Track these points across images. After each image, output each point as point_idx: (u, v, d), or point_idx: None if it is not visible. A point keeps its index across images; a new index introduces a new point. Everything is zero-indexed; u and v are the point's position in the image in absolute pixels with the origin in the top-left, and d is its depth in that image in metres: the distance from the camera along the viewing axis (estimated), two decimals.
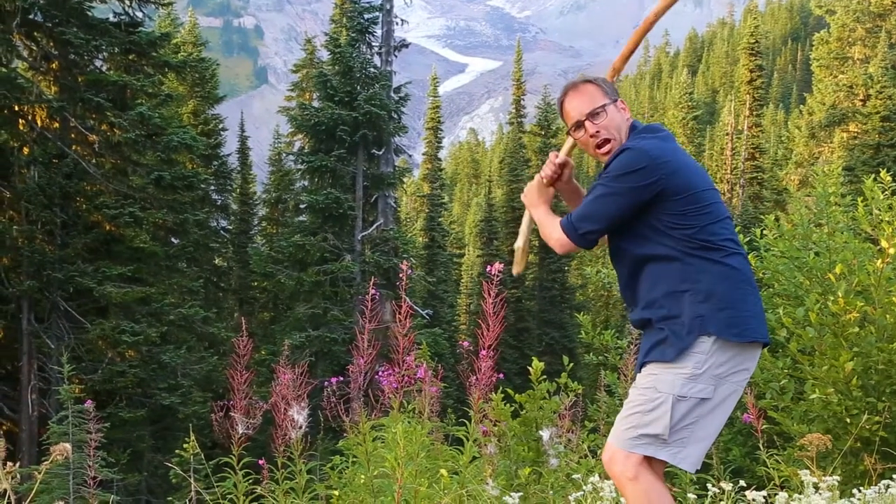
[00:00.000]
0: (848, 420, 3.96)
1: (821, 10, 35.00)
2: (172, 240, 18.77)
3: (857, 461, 3.96)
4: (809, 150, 31.69)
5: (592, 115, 2.92)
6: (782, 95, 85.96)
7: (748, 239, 5.35)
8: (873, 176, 4.95)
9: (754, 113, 35.26)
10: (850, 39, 31.78)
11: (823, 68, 32.55)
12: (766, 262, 5.08)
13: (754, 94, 35.37)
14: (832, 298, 4.09)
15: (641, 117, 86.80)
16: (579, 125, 2.95)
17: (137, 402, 14.54)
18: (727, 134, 37.01)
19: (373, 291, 4.10)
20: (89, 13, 14.88)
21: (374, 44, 21.97)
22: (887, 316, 4.09)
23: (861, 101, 29.77)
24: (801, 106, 35.95)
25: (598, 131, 2.91)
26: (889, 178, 5.09)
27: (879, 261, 4.24)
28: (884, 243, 4.20)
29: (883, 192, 4.79)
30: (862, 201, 4.75)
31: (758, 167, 35.57)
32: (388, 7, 21.85)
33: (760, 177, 35.48)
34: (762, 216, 5.60)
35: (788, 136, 38.25)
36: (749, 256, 5.15)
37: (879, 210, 4.64)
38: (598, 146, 2.92)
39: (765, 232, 5.25)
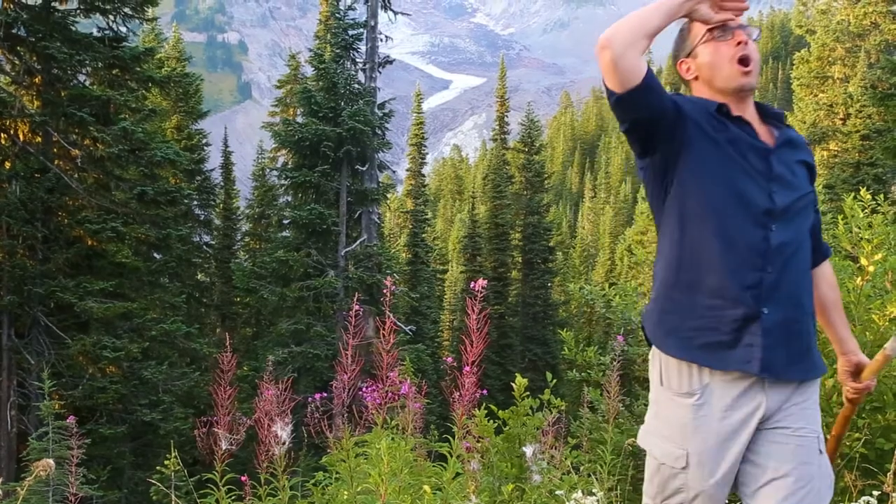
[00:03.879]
0: (826, 437, 3.99)
1: (801, 30, 35.35)
2: (155, 255, 18.69)
3: (838, 478, 3.99)
4: None
5: (747, 30, 2.47)
6: None
7: None
8: (853, 194, 5.01)
9: None
10: (830, 59, 32.09)
11: (804, 87, 32.84)
12: None
13: None
14: None
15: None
16: (729, 29, 2.45)
17: (118, 419, 14.44)
18: None
19: (356, 307, 4.11)
20: (73, 28, 14.87)
21: (358, 60, 22.01)
22: (867, 333, 4.13)
23: (841, 119, 30.05)
24: None
25: (748, 43, 2.44)
26: (869, 197, 5.15)
27: (859, 278, 4.28)
28: (863, 261, 4.24)
29: (863, 211, 4.84)
30: (842, 219, 4.80)
31: None
32: (372, 24, 21.92)
33: None
34: None
35: None
36: None
37: (859, 228, 4.69)
38: (743, 61, 2.43)
39: None
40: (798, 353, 2.35)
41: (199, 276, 25.95)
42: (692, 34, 2.53)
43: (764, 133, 2.47)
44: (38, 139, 14.68)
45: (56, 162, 14.75)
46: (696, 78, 2.54)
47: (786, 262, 2.34)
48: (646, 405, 6.17)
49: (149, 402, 14.86)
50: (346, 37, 21.65)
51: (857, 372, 2.62)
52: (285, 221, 23.16)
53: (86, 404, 13.79)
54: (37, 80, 14.87)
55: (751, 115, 2.48)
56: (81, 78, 15.78)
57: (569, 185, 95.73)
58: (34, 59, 14.67)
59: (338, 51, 21.49)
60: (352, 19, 21.97)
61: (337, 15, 22.10)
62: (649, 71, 2.32)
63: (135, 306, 14.87)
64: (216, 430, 3.72)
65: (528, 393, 4.62)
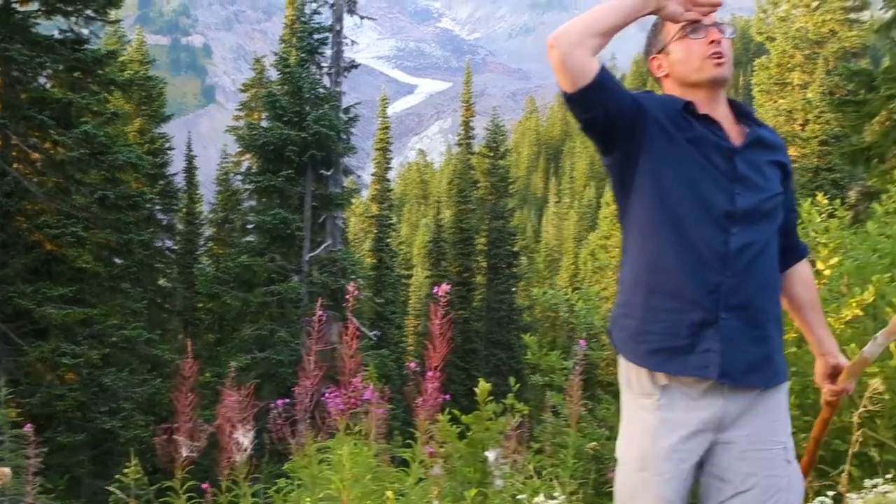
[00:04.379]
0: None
1: (761, 37, 35.81)
2: (116, 260, 18.49)
3: None
4: None
5: (721, 27, 2.43)
6: None
7: None
8: (810, 199, 5.08)
9: None
10: (789, 65, 32.55)
11: (764, 93, 33.28)
12: None
13: None
14: None
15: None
16: (702, 27, 2.39)
17: (77, 426, 14.25)
18: None
19: (320, 313, 4.09)
20: (34, 29, 14.69)
21: (323, 64, 21.97)
22: None
23: (800, 125, 30.49)
24: None
25: (720, 41, 2.39)
26: (826, 202, 5.23)
27: (816, 282, 4.34)
28: (820, 265, 4.30)
29: (820, 215, 4.91)
30: (800, 224, 4.87)
31: None
32: (338, 28, 21.88)
33: None
34: None
35: None
36: None
37: (816, 233, 4.77)
38: (717, 57, 2.38)
39: None
40: (758, 360, 2.31)
41: (161, 282, 25.69)
42: (665, 31, 2.49)
43: (734, 132, 2.42)
44: None
45: (15, 165, 14.56)
46: (667, 76, 2.50)
47: (747, 266, 2.28)
48: (608, 409, 6.20)
49: (108, 409, 14.67)
50: (312, 41, 21.61)
51: (834, 374, 2.59)
52: (249, 226, 23.04)
53: (43, 412, 13.59)
54: None
55: (722, 113, 2.44)
56: (42, 80, 15.60)
57: (533, 190, 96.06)
58: None
59: (303, 55, 21.44)
60: (317, 23, 21.94)
61: (302, 19, 22.05)
62: (602, 70, 2.29)
63: (95, 312, 14.71)
64: (177, 437, 3.70)
65: (491, 397, 4.63)
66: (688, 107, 2.38)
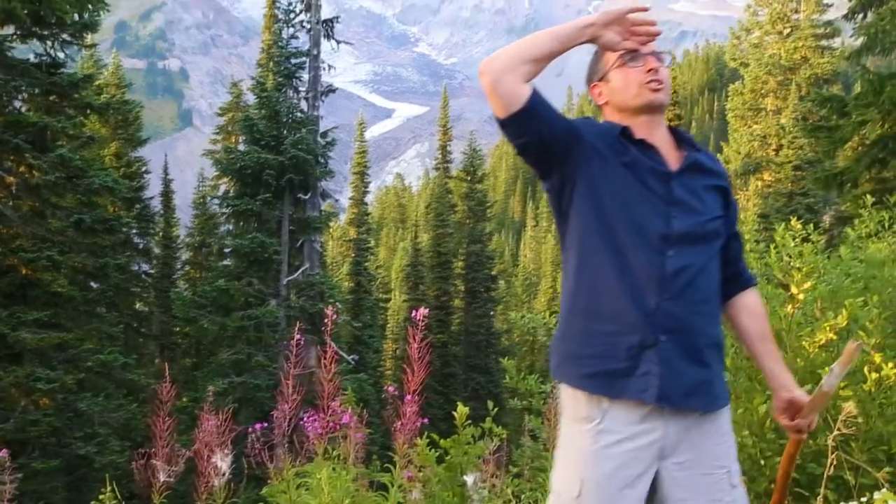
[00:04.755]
0: (762, 462, 4.06)
1: (735, 63, 36.32)
2: (92, 284, 18.35)
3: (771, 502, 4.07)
4: None
5: (659, 55, 2.46)
6: (700, 144, 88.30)
7: None
8: (784, 223, 5.14)
9: None
10: (762, 91, 33.02)
11: (738, 118, 33.71)
12: None
13: None
14: None
15: None
16: (641, 55, 2.43)
17: (51, 452, 14.08)
18: None
19: (298, 337, 4.09)
20: (9, 53, 14.63)
21: (301, 88, 22.01)
22: (798, 360, 4.22)
23: (774, 150, 30.89)
24: (718, 154, 37.01)
25: (658, 69, 2.43)
26: (799, 226, 5.29)
27: (790, 306, 4.38)
28: (794, 289, 4.35)
29: (793, 240, 4.96)
30: (774, 248, 4.92)
31: None
32: (315, 52, 21.95)
33: None
34: None
35: None
36: None
37: (790, 257, 4.81)
38: (653, 84, 2.41)
39: None
40: (698, 383, 2.29)
41: (137, 306, 25.49)
42: (604, 59, 2.50)
43: (673, 158, 2.42)
44: None
45: None
46: (607, 103, 2.52)
47: (684, 289, 2.28)
48: None
49: (84, 434, 14.51)
50: (289, 65, 21.65)
51: (790, 408, 2.50)
52: (226, 250, 22.95)
53: (17, 437, 13.43)
54: None
55: (660, 138, 2.45)
56: (17, 104, 15.52)
57: (511, 214, 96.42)
58: None
59: (280, 79, 21.47)
60: (294, 48, 21.99)
61: (279, 43, 22.10)
62: (533, 96, 2.30)
63: (70, 337, 14.58)
64: (154, 461, 3.68)
65: (469, 421, 4.63)
66: (624, 132, 2.41)
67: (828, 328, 4.18)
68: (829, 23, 32.80)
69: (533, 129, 2.33)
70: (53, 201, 15.62)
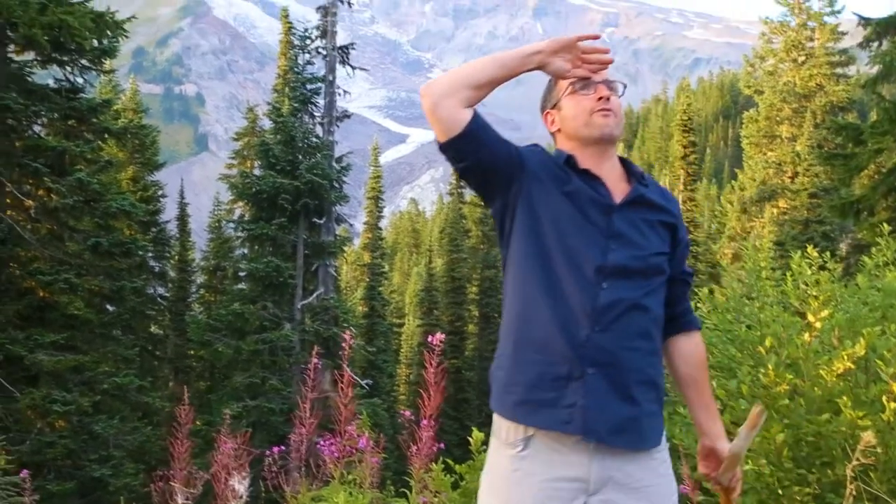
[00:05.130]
0: (780, 491, 4.03)
1: (749, 90, 36.29)
2: (108, 307, 18.44)
3: None
4: (741, 224, 32.59)
5: (611, 84, 2.43)
6: (715, 171, 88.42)
7: None
8: (801, 251, 5.14)
9: (688, 187, 36.17)
10: (777, 118, 32.97)
11: (753, 145, 33.65)
12: (701, 334, 5.19)
13: (688, 169, 36.33)
14: (763, 371, 4.20)
15: None
16: (592, 83, 2.41)
17: (67, 474, 14.09)
18: None
19: (315, 361, 4.11)
20: (29, 79, 14.81)
21: (316, 114, 22.14)
22: (815, 388, 4.20)
23: (790, 177, 30.80)
24: (733, 181, 36.98)
25: (609, 98, 2.40)
26: (816, 254, 5.28)
27: (807, 334, 4.37)
28: (811, 317, 4.34)
29: (810, 268, 4.96)
30: (790, 276, 4.91)
31: (692, 240, 36.29)
32: (330, 78, 22.10)
33: (695, 250, 36.21)
34: (697, 289, 5.76)
35: (721, 210, 39.26)
36: None
37: (807, 285, 4.81)
38: (604, 112, 2.38)
39: (699, 304, 5.38)
40: (625, 420, 2.22)
41: (152, 329, 25.59)
42: (557, 86, 2.48)
43: (619, 190, 2.38)
44: None
45: (8, 212, 14.57)
46: (559, 130, 2.49)
47: (616, 322, 2.23)
48: None
49: (99, 457, 14.53)
50: (305, 91, 21.80)
51: (711, 459, 2.46)
52: (241, 274, 23.01)
53: (33, 460, 13.45)
54: None
55: (608, 169, 2.41)
56: (37, 128, 15.68)
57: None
58: None
59: (296, 104, 21.61)
60: (310, 73, 22.14)
61: (295, 69, 22.25)
62: (474, 121, 2.28)
63: (86, 359, 14.63)
64: (172, 484, 3.69)
65: (484, 447, 4.62)
66: (569, 161, 2.38)
67: (845, 357, 4.16)
68: (844, 51, 32.80)
69: (472, 154, 2.32)
70: (71, 224, 15.73)
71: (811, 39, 33.29)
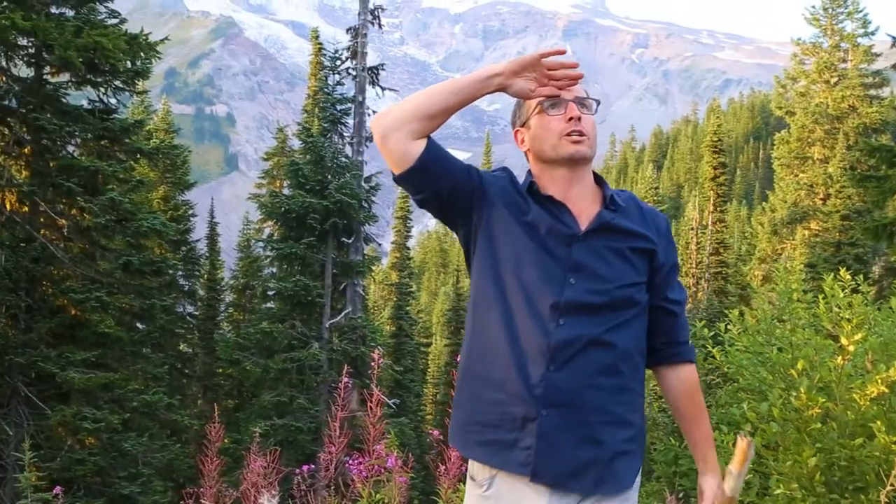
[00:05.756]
0: None
1: (781, 112, 36.11)
2: (138, 325, 18.60)
3: None
4: (772, 246, 32.37)
5: (583, 101, 2.28)
6: (745, 192, 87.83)
7: (713, 333, 5.46)
8: (833, 274, 5.10)
9: (718, 209, 35.93)
10: (809, 140, 32.77)
11: (784, 167, 33.45)
12: (731, 356, 5.17)
13: (718, 191, 36.10)
14: (795, 394, 4.17)
15: None
16: (562, 102, 2.27)
17: (96, 491, 14.17)
18: (692, 228, 37.60)
19: (345, 380, 4.12)
20: (64, 100, 15.01)
21: (345, 134, 22.28)
22: (848, 412, 4.16)
23: (821, 199, 30.58)
24: (764, 203, 36.78)
25: (580, 118, 2.25)
26: (848, 277, 5.25)
27: (840, 357, 4.33)
28: (843, 340, 4.30)
29: (843, 290, 4.92)
30: (823, 299, 4.88)
31: (722, 262, 36.06)
32: (360, 99, 22.23)
33: (725, 271, 35.93)
34: (727, 311, 5.73)
35: (752, 232, 39.04)
36: (714, 350, 5.25)
37: (839, 307, 4.77)
38: (573, 135, 2.24)
39: (729, 327, 5.35)
40: (583, 463, 2.12)
41: (181, 347, 25.76)
42: (527, 104, 2.34)
43: (590, 214, 2.25)
44: (26, 209, 14.69)
45: (42, 231, 14.75)
46: (529, 150, 2.36)
47: (574, 360, 2.11)
48: (651, 472, 6.14)
49: (128, 474, 14.60)
50: (335, 111, 21.95)
51: (704, 498, 2.33)
52: (270, 293, 23.11)
53: (64, 476, 13.54)
54: (26, 150, 14.94)
55: (579, 193, 2.28)
56: (71, 149, 15.87)
57: None
58: (24, 130, 14.76)
59: (325, 124, 21.75)
60: (340, 94, 22.29)
61: (325, 90, 22.42)
62: (426, 153, 2.19)
63: (116, 377, 14.73)
64: (203, 501, 3.71)
65: None
66: (531, 188, 2.28)
67: (879, 381, 4.12)
68: (878, 72, 32.60)
69: (428, 186, 2.24)
70: (103, 243, 15.89)
71: (844, 61, 33.11)
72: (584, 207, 2.26)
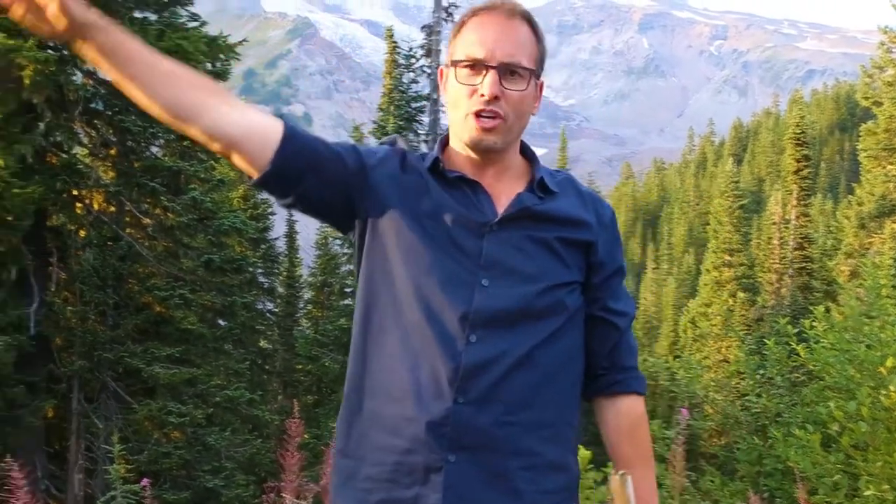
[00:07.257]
0: None
1: (867, 102, 35.05)
2: (220, 322, 18.97)
3: None
4: (859, 240, 31.47)
5: (509, 68, 1.70)
6: (830, 185, 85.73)
7: (797, 330, 5.34)
8: None
9: (802, 202, 35.08)
10: None
11: (872, 159, 32.49)
12: (817, 353, 5.05)
13: (801, 184, 35.25)
14: (884, 392, 4.06)
15: (687, 205, 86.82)
16: (482, 67, 1.70)
17: (182, 484, 14.52)
18: (774, 223, 36.76)
19: None
20: None
21: (420, 131, 22.37)
22: None
23: None
24: (850, 196, 35.78)
25: (497, 98, 1.68)
26: None
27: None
28: None
29: None
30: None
31: (806, 257, 35.18)
32: (434, 97, 22.30)
33: (809, 267, 35.04)
34: (812, 307, 5.60)
35: (837, 226, 37.98)
36: (799, 348, 5.14)
37: None
38: (483, 116, 1.69)
39: (815, 323, 5.23)
40: None
41: (262, 343, 26.19)
42: (456, 39, 1.80)
43: (510, 199, 1.76)
44: (112, 208, 15.12)
45: (128, 230, 15.16)
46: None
47: (491, 389, 1.64)
48: (712, 482, 6.06)
49: (211, 468, 14.92)
50: (409, 109, 22.06)
51: None
52: (347, 290, 23.35)
53: (150, 469, 13.90)
54: (112, 151, 15.36)
55: (498, 173, 1.79)
56: (154, 149, 16.25)
57: (630, 256, 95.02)
58: (110, 131, 15.17)
59: (401, 122, 21.87)
60: (415, 92, 22.40)
61: (400, 88, 22.54)
62: (279, 154, 1.68)
63: (200, 372, 15.06)
64: (284, 495, 3.77)
65: (591, 465, 4.58)
66: (435, 166, 1.78)
67: None
68: None
69: (289, 190, 1.75)
70: (186, 242, 16.24)
71: None
72: (504, 188, 1.78)
